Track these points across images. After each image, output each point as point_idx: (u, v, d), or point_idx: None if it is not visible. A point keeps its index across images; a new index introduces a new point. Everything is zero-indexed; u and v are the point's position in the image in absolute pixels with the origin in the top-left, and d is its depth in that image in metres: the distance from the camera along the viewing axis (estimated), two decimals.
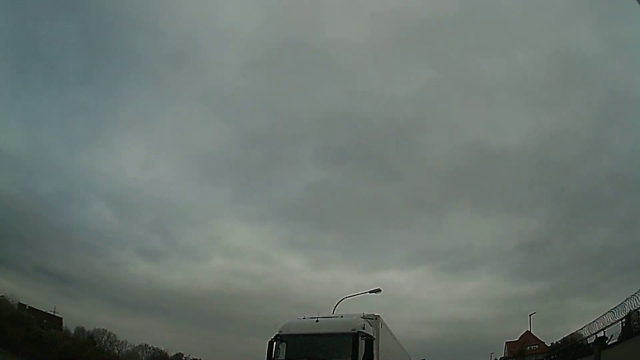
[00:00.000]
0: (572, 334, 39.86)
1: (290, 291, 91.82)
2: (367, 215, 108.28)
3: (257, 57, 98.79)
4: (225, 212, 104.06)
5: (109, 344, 53.77)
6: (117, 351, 54.24)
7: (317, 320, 15.82)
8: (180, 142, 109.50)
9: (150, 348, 59.04)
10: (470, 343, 77.09)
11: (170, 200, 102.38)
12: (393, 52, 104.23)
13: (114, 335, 54.01)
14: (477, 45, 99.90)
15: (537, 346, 61.65)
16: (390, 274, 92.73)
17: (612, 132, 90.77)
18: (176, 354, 61.27)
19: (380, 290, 24.48)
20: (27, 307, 45.98)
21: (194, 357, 62.59)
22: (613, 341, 24.57)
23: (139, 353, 57.93)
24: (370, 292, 25.17)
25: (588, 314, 68.80)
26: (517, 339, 67.55)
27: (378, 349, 15.98)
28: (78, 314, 61.08)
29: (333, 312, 23.82)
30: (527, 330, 65.53)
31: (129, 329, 65.38)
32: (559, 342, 50.50)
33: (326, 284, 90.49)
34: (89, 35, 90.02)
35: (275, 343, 15.24)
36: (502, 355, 70.96)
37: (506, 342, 70.05)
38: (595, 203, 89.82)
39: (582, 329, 31.46)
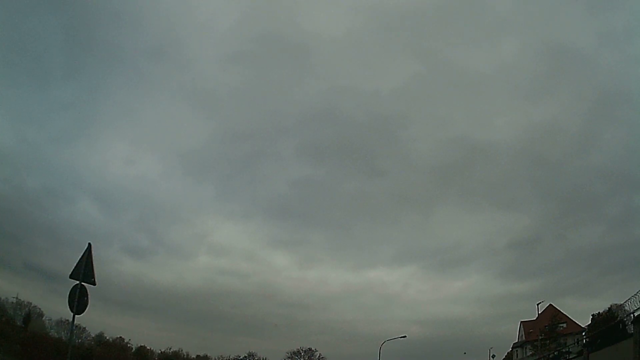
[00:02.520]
0: (611, 306, 34.62)
1: (278, 289, 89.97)
2: (352, 212, 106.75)
3: (236, 51, 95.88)
4: (209, 209, 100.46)
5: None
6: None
7: None
8: (163, 137, 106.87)
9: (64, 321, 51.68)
10: (460, 342, 76.07)
11: (154, 196, 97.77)
12: (374, 45, 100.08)
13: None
14: (462, 36, 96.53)
15: (565, 325, 44.35)
16: (378, 273, 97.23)
17: (604, 126, 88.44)
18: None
19: None
20: None
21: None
22: None
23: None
24: None
25: (581, 313, 64.55)
26: (535, 318, 50.53)
27: None
28: (68, 313, 55.04)
29: None
30: (550, 305, 48.49)
31: (119, 328, 61.25)
32: (597, 316, 37.03)
33: (313, 282, 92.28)
34: (72, 29, 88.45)
35: None
36: (516, 340, 54.01)
37: (522, 322, 53.28)
38: (587, 200, 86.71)
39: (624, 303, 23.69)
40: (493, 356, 58.37)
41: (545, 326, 43.26)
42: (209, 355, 58.91)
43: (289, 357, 64.54)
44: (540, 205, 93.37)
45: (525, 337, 51.33)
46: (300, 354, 65.04)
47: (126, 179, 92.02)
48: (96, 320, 53.80)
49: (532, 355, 42.48)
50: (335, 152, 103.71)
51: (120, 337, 52.53)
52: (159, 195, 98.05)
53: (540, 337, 43.43)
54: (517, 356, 53.41)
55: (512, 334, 59.91)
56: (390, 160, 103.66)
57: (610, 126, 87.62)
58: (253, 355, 61.90)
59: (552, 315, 44.24)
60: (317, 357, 64.98)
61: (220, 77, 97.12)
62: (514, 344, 55.08)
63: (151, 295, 77.34)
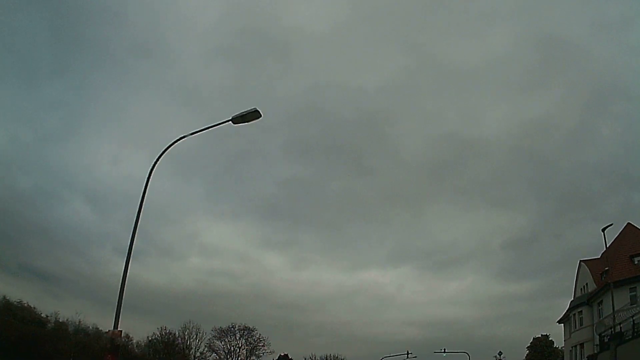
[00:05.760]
0: None
1: (271, 291, 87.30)
2: (342, 211, 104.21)
3: (219, 45, 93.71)
4: (199, 209, 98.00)
5: None
6: None
7: None
8: (151, 136, 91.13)
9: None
10: (458, 344, 69.72)
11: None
12: (359, 39, 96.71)
13: None
14: (450, 28, 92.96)
15: None
16: (371, 274, 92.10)
17: (600, 121, 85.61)
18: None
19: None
20: None
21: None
22: None
23: None
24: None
25: None
26: (598, 256, 32.84)
27: None
28: (64, 314, 49.65)
29: None
30: (629, 223, 31.41)
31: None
32: None
33: (307, 284, 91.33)
34: (59, 27, 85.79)
35: None
36: (574, 298, 35.60)
37: (582, 262, 35.41)
38: (584, 198, 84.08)
39: None
40: (500, 353, 55.33)
41: None
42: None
43: (216, 337, 59.17)
44: (535, 203, 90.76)
45: (596, 283, 32.43)
46: (233, 331, 59.79)
47: (115, 179, 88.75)
48: (91, 322, 50.93)
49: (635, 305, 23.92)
50: (322, 150, 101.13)
51: (29, 304, 47.62)
52: (148, 195, 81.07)
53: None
54: (578, 323, 33.84)
55: (512, 334, 54.44)
56: (379, 157, 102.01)
57: (607, 121, 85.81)
58: (172, 334, 58.58)
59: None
60: (256, 336, 61.04)
61: (204, 74, 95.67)
62: (571, 302, 35.87)
63: (145, 296, 65.05)
